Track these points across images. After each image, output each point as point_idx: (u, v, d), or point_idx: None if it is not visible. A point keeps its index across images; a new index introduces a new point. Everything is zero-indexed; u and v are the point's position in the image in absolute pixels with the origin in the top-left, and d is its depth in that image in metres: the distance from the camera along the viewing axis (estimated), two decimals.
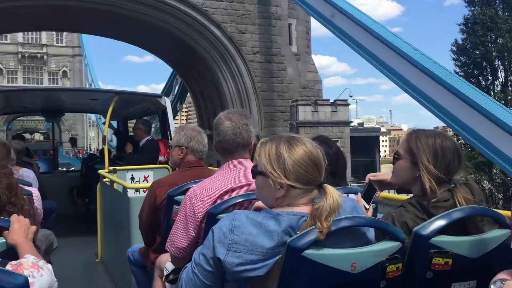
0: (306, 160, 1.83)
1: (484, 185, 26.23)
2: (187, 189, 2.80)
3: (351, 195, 2.62)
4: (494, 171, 25.96)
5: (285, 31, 25.39)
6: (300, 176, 1.82)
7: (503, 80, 26.48)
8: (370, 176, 2.55)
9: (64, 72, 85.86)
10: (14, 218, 2.14)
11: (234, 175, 2.71)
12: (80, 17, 23.52)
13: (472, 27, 27.46)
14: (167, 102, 8.22)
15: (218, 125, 2.85)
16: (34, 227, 2.19)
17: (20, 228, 2.10)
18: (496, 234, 2.00)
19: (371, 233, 1.95)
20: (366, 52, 16.02)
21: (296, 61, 25.72)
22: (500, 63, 27.36)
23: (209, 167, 3.74)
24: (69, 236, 7.80)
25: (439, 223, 1.93)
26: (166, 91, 40.50)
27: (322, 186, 1.83)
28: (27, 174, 4.89)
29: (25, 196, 2.42)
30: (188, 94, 34.19)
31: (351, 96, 27.52)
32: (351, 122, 25.48)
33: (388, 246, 1.83)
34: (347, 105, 25.73)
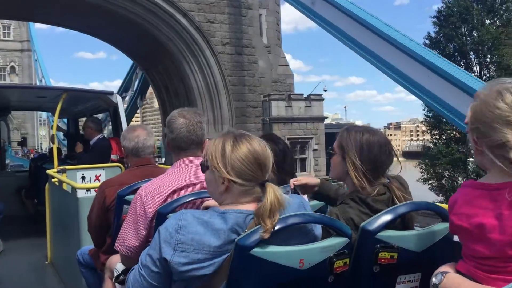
0: (249, 157, 1.83)
1: (459, 181, 25.78)
2: (138, 189, 2.75)
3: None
4: (470, 167, 25.51)
5: (256, 21, 23.92)
6: (241, 172, 1.82)
7: (478, 74, 26.08)
8: (293, 182, 2.62)
9: (12, 68, 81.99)
10: None
11: (185, 173, 2.70)
12: (32, 4, 21.17)
13: (446, 19, 26.92)
14: (118, 99, 8.07)
15: (171, 122, 2.80)
16: None
17: None
18: (439, 227, 2.05)
19: (318, 229, 1.97)
20: (348, 38, 15.57)
21: (267, 53, 24.31)
22: (474, 56, 26.99)
23: (160, 165, 3.74)
24: (17, 238, 7.60)
25: (385, 218, 1.97)
26: (125, 87, 38.21)
27: (265, 184, 1.83)
28: None
29: None
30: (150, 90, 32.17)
31: (325, 91, 26.32)
32: (326, 118, 24.33)
33: (335, 242, 1.87)
34: (322, 100, 24.54)
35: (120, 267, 2.87)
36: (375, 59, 14.91)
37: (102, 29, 24.34)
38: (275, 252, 1.71)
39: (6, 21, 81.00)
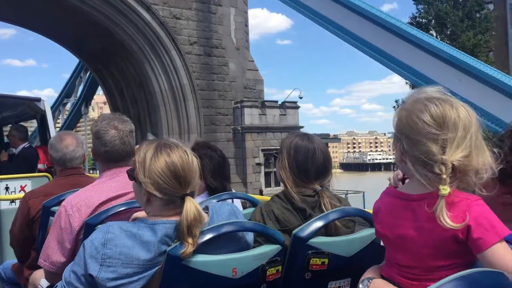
0: (165, 171, 1.76)
1: None
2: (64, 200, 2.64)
3: (235, 201, 2.96)
4: None
5: (226, 20, 21.54)
6: (158, 185, 1.76)
7: None
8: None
9: None
10: None
11: (114, 183, 2.59)
12: None
13: (424, 24, 25.95)
14: (46, 106, 7.80)
15: (102, 134, 2.64)
16: None
17: None
18: (367, 233, 2.08)
19: (250, 236, 1.94)
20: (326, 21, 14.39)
21: (238, 55, 21.97)
22: None
23: (88, 175, 3.53)
24: None
25: (317, 224, 2.00)
26: (66, 92, 34.31)
27: (184, 198, 1.76)
28: None
29: None
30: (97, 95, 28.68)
31: (301, 98, 24.31)
32: (302, 127, 22.33)
33: (268, 249, 1.87)
34: (297, 107, 22.50)
35: (44, 283, 2.78)
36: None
37: (41, 19, 20.96)
38: (207, 261, 1.70)
39: None
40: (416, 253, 1.47)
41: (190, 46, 20.18)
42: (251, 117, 20.80)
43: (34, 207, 3.15)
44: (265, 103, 21.48)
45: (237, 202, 3.05)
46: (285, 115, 21.75)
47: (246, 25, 24.15)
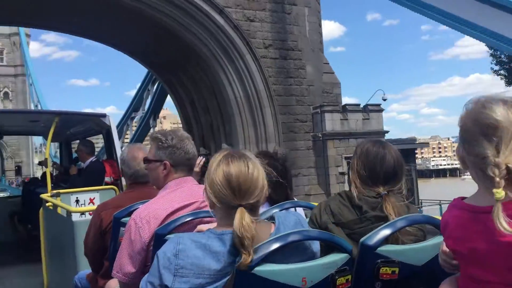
0: (222, 180, 1.80)
1: None
2: (134, 211, 2.70)
3: (298, 209, 2.96)
4: None
5: (302, 20, 20.12)
6: (216, 195, 1.81)
7: None
8: None
9: (6, 94, 78.92)
10: None
11: (179, 194, 2.65)
12: (32, 6, 17.35)
13: None
14: (111, 121, 8.07)
15: (166, 143, 2.73)
16: None
17: None
18: (438, 240, 2.00)
19: (316, 246, 1.93)
20: None
21: (314, 57, 20.47)
22: None
23: (155, 187, 3.33)
24: (12, 265, 7.65)
25: (384, 232, 1.96)
26: (134, 106, 34.19)
27: (237, 209, 1.75)
28: None
29: None
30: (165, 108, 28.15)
31: (384, 100, 22.40)
32: (387, 132, 20.44)
33: (336, 258, 1.85)
34: (381, 111, 20.62)
35: None
36: None
37: (112, 31, 20.49)
38: (276, 270, 1.70)
39: None
40: (494, 267, 1.41)
41: (265, 49, 18.92)
42: (332, 122, 19.17)
43: (106, 219, 3.26)
44: (347, 107, 19.79)
45: (300, 210, 3.05)
46: (368, 119, 19.95)
47: (320, 25, 22.66)
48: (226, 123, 19.95)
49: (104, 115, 8.13)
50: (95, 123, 8.34)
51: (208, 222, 2.31)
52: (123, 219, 2.89)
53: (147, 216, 2.50)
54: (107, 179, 7.69)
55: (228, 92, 18.87)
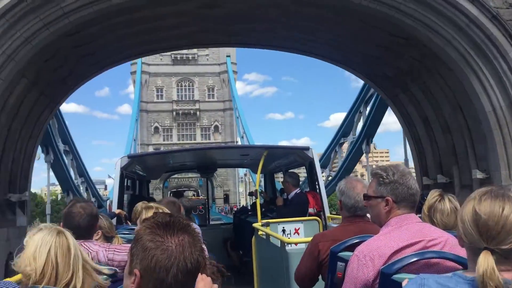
0: (469, 217, 1.70)
1: None
2: (351, 245, 2.79)
3: None
4: None
5: None
6: (463, 232, 1.72)
7: None
8: None
9: (216, 127, 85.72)
10: (199, 277, 1.93)
11: (403, 232, 2.55)
12: (244, 22, 16.04)
13: None
14: (314, 154, 8.34)
15: (387, 179, 2.68)
16: (215, 286, 2.06)
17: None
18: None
19: None
20: None
21: None
22: None
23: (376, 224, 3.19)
24: (226, 286, 5.71)
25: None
26: (342, 132, 31.68)
27: (482, 252, 1.61)
28: (198, 230, 3.88)
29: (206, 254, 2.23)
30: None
31: None
32: None
33: None
34: None
35: None
36: None
37: (329, 43, 18.08)
38: None
39: (210, 82, 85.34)
40: None
41: None
42: None
43: (323, 250, 3.32)
44: None
45: None
46: None
47: None
48: (477, 143, 15.54)
49: (307, 148, 8.36)
50: (299, 155, 8.62)
51: (436, 264, 2.30)
52: (340, 253, 2.87)
53: (370, 253, 2.46)
54: (310, 210, 7.89)
55: (483, 103, 14.51)
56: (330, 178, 33.51)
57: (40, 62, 13.14)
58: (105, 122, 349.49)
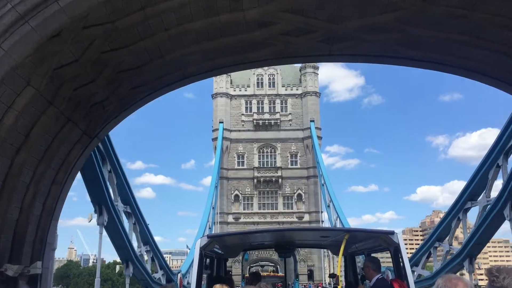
0: None
1: None
2: None
3: None
4: None
5: None
6: None
7: None
8: None
9: (299, 195, 79.91)
10: None
11: None
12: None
13: None
14: (399, 238, 7.86)
15: (498, 283, 2.74)
16: None
17: None
18: None
19: None
20: None
21: None
22: None
23: None
24: None
25: None
26: (470, 193, 24.39)
27: None
28: None
29: None
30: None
31: None
32: None
33: None
34: None
35: None
36: None
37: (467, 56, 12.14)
38: None
39: (293, 148, 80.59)
40: None
41: None
42: None
43: None
44: None
45: None
46: None
47: None
48: None
49: (392, 233, 7.92)
50: (383, 239, 8.15)
51: None
52: None
53: None
54: None
55: None
56: (451, 254, 25.86)
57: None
58: (190, 193, 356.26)
